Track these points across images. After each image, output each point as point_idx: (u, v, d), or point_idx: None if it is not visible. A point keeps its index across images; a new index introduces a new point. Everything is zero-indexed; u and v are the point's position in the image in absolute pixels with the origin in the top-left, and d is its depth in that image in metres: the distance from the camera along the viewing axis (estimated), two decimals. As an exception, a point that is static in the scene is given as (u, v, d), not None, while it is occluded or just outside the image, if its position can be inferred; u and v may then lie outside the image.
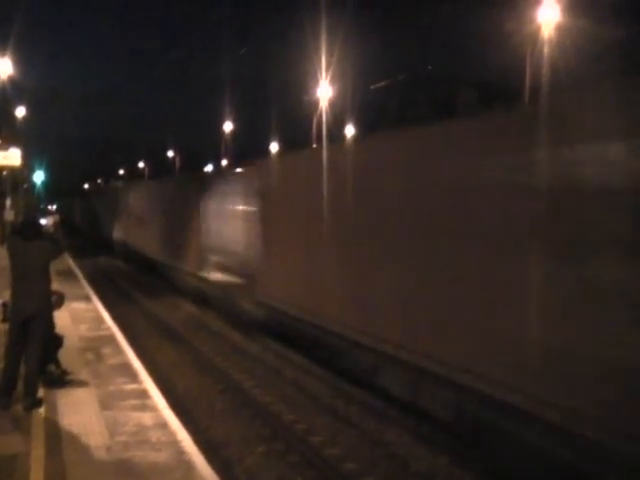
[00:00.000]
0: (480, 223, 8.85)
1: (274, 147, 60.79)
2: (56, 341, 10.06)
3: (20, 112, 40.56)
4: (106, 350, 12.24)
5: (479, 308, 8.83)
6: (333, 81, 37.17)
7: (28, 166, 48.61)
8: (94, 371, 10.64)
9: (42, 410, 8.53)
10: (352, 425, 10.60)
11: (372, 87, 40.23)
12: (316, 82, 36.38)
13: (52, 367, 9.79)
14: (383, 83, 37.14)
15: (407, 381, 10.75)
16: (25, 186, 46.46)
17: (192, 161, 78.38)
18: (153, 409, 8.78)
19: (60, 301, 10.40)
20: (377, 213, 11.55)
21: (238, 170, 21.66)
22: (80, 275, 26.20)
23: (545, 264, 7.75)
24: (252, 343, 16.46)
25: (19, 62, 34.92)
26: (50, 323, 9.59)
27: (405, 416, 10.60)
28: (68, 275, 24.99)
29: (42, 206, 74.19)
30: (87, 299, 19.13)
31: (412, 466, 9.01)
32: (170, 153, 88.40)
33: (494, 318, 8.56)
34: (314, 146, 32.31)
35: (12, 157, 36.91)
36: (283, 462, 9.23)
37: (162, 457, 7.07)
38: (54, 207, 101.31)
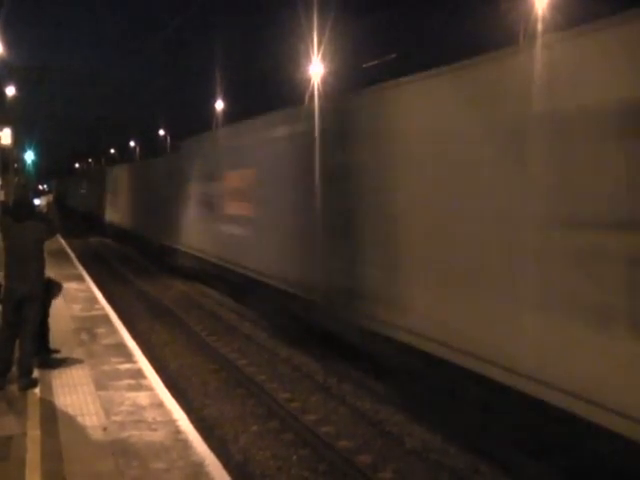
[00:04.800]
0: None
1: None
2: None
3: (10, 91, 40.24)
4: (100, 330, 12.23)
5: None
6: (325, 60, 36.82)
7: (19, 146, 48.29)
8: (89, 351, 10.64)
9: (37, 391, 8.53)
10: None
11: (364, 65, 39.95)
12: (308, 60, 36.04)
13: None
14: (375, 62, 36.88)
15: None
16: (16, 166, 46.13)
17: (184, 139, 77.71)
18: (148, 389, 8.80)
19: (57, 291, 10.23)
20: None
21: None
22: (72, 255, 26.16)
23: None
24: (245, 322, 16.50)
25: (7, 42, 34.61)
26: (46, 304, 9.56)
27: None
28: (61, 255, 24.94)
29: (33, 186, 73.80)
30: (80, 279, 19.10)
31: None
32: (161, 132, 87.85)
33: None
34: None
35: (3, 136, 36.66)
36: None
37: (158, 437, 7.08)
38: (45, 187, 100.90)
